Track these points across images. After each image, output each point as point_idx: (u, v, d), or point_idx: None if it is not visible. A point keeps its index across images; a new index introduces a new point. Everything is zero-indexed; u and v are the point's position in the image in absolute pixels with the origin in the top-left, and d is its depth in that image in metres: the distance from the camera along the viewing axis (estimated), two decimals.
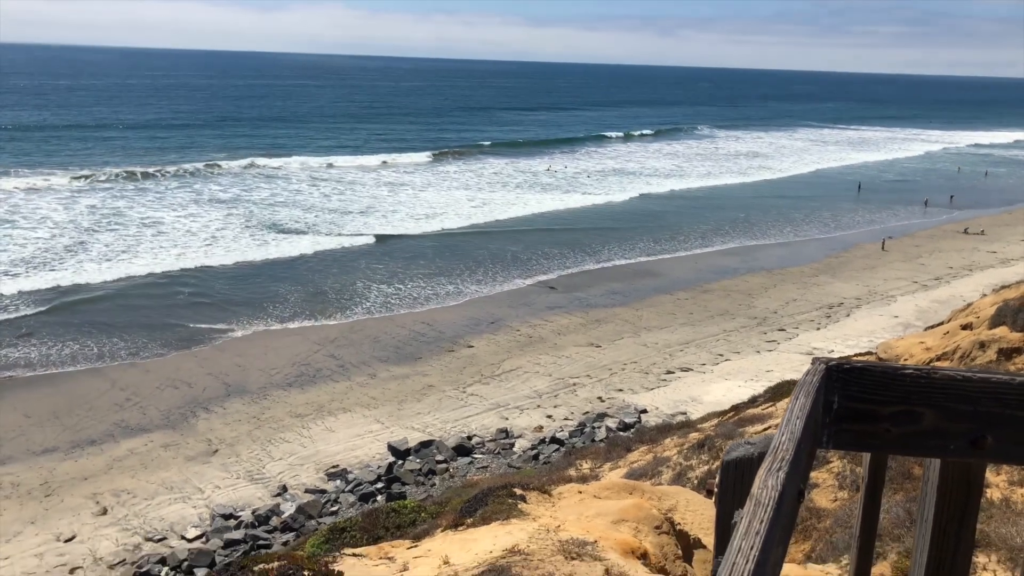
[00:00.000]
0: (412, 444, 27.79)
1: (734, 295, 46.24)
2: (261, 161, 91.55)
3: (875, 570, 7.38)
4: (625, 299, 45.23)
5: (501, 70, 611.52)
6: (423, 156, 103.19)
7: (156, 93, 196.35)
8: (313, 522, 23.15)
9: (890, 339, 29.17)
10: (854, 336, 38.92)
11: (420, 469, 26.52)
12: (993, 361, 18.95)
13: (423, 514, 11.00)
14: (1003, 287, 33.03)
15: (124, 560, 21.54)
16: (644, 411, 30.89)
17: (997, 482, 9.38)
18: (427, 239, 58.81)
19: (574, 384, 33.57)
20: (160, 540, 22.44)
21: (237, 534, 22.71)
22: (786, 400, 20.86)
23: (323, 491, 25.21)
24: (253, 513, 23.83)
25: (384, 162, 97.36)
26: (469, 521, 8.02)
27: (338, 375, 33.94)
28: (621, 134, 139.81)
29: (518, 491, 8.48)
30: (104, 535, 22.55)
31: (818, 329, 40.65)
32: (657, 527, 7.78)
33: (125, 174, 78.15)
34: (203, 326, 38.77)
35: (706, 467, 16.66)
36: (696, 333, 39.84)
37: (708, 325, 41.07)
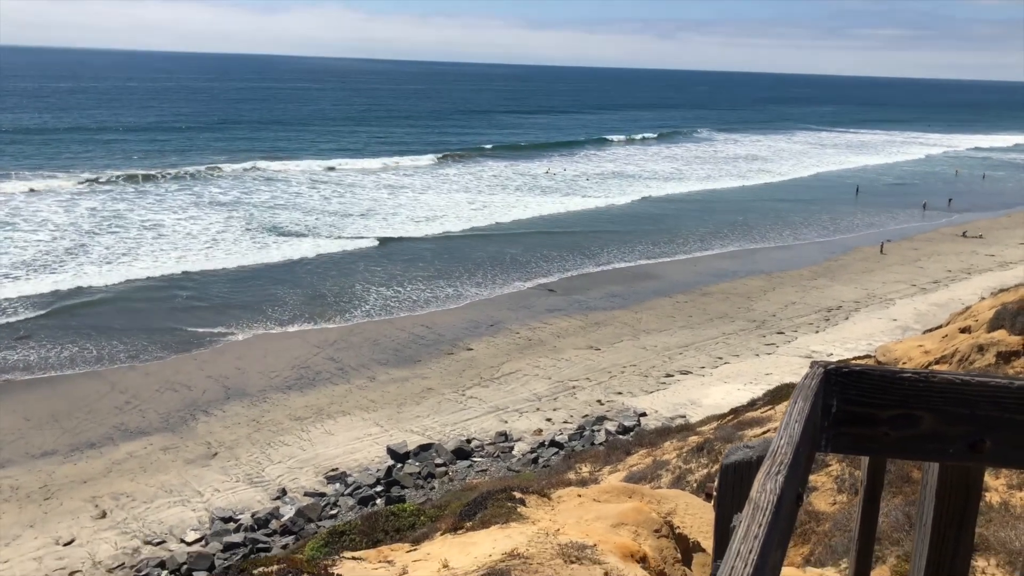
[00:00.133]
0: (411, 447, 27.77)
1: (733, 298, 46.24)
2: (262, 164, 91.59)
3: (874, 574, 7.37)
4: (624, 302, 45.24)
5: (501, 73, 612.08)
6: (423, 159, 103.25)
7: (157, 96, 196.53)
8: (312, 525, 23.14)
9: (889, 342, 29.17)
10: (853, 339, 38.93)
11: (419, 472, 26.50)
12: (991, 364, 18.96)
13: (422, 517, 10.99)
14: (1001, 290, 33.06)
15: (123, 564, 21.51)
16: (643, 414, 30.87)
17: (996, 486, 9.39)
18: (427, 242, 58.85)
19: (573, 387, 33.55)
20: (159, 543, 22.43)
21: (236, 537, 22.70)
22: (785, 403, 20.83)
23: (322, 494, 25.19)
24: (252, 516, 23.82)
25: (385, 165, 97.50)
26: (468, 525, 8.02)
27: (337, 378, 33.93)
28: (621, 137, 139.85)
29: (517, 494, 8.48)
30: (103, 538, 22.53)
31: (817, 332, 40.66)
32: (656, 531, 7.78)
33: (126, 177, 78.20)
34: (203, 329, 38.76)
35: (705, 470, 16.66)
36: (695, 336, 39.85)
37: (707, 328, 41.07)
